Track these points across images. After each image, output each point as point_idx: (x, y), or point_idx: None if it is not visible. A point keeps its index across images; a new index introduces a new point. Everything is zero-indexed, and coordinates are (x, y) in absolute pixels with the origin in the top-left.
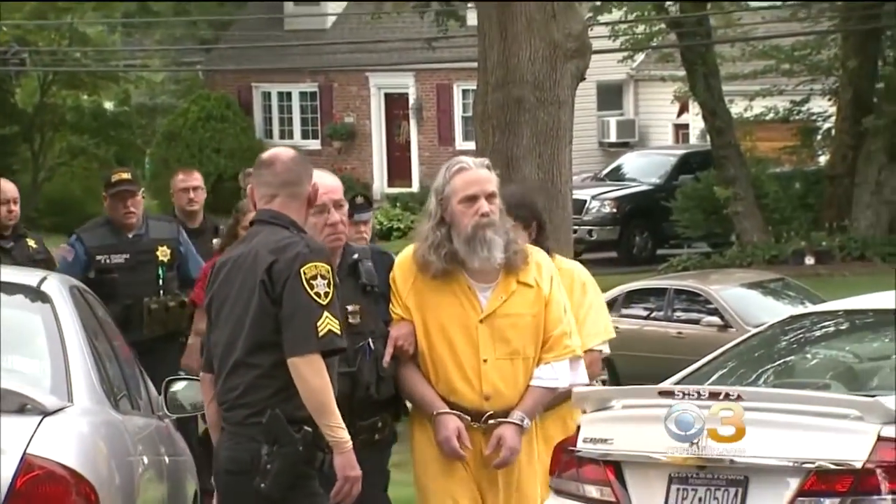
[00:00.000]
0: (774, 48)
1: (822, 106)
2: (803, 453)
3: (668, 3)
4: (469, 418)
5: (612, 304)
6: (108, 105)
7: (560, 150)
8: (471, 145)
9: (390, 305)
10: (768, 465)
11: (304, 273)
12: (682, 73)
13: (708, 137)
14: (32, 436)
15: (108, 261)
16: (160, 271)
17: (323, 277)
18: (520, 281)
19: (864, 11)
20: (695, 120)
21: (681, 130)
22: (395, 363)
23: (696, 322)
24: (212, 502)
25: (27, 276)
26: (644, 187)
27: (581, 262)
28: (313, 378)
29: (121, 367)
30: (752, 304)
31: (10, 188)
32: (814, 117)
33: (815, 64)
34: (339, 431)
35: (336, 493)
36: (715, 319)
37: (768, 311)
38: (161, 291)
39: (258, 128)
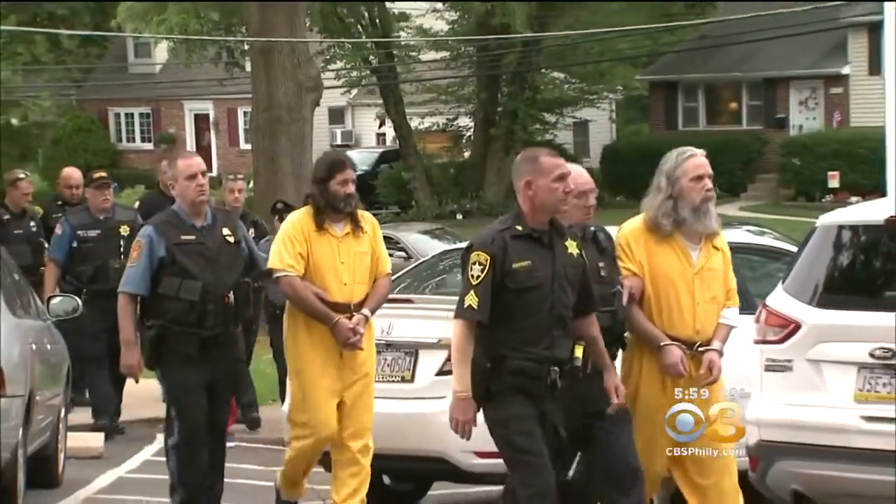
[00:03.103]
0: (436, 86)
1: (465, 121)
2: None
3: (370, 56)
4: (685, 347)
5: None
6: (14, 121)
7: (305, 151)
8: (248, 147)
9: (620, 263)
10: (429, 342)
11: (471, 259)
12: (380, 101)
13: (397, 141)
14: None
15: (86, 234)
16: (121, 242)
17: (480, 264)
18: (714, 246)
19: (490, 63)
20: (389, 130)
21: (381, 137)
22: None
23: (391, 255)
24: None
25: None
26: (358, 173)
27: None
28: (454, 339)
29: (19, 289)
30: (424, 244)
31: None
32: (461, 129)
33: (461, 95)
34: (455, 384)
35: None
36: (402, 254)
37: (434, 247)
38: (122, 255)
39: (112, 136)
